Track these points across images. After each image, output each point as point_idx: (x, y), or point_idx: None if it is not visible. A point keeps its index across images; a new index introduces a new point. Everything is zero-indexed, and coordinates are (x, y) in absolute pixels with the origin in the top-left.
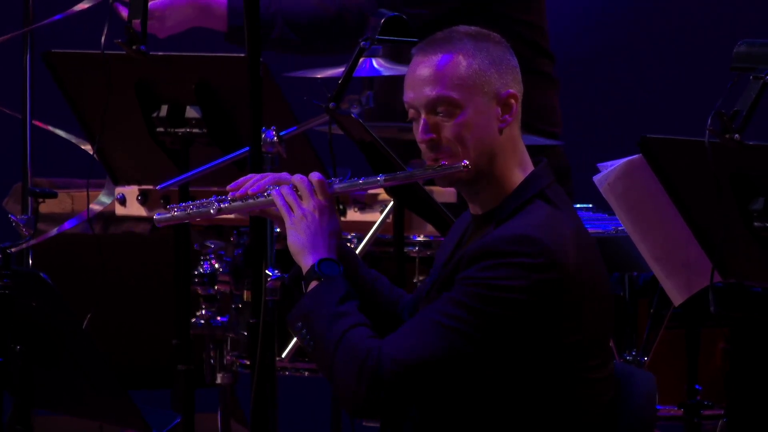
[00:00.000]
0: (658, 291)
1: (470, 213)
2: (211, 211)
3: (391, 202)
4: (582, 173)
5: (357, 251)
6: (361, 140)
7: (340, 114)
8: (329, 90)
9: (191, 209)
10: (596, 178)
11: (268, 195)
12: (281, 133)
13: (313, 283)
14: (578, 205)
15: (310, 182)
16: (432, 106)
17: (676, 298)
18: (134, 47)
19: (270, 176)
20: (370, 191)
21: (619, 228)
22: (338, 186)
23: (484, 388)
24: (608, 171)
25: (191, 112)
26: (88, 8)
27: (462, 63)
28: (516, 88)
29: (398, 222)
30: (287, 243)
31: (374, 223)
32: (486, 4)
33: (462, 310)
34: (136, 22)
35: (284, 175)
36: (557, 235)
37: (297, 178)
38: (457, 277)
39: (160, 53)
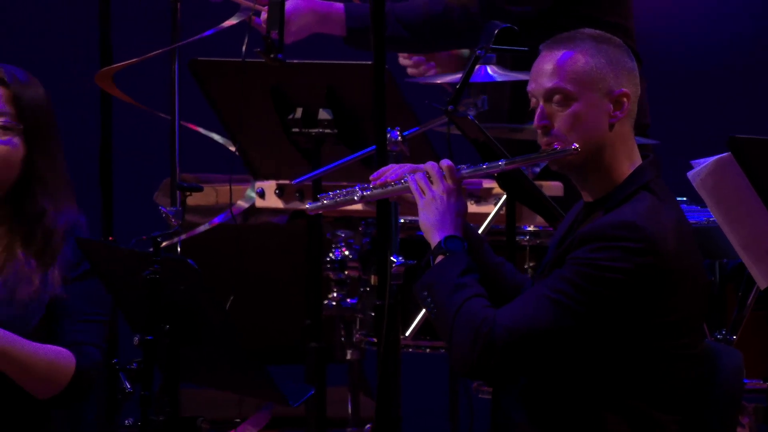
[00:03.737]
0: (745, 276)
1: (583, 201)
2: (355, 198)
3: (504, 196)
4: (677, 170)
5: None
6: (476, 140)
7: (458, 116)
8: (447, 94)
9: (338, 198)
10: (690, 174)
11: (404, 182)
12: (404, 133)
13: (439, 257)
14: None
15: (440, 168)
16: (549, 96)
17: (762, 282)
18: (272, 56)
19: (407, 166)
20: (485, 185)
21: (711, 219)
22: (466, 171)
23: (585, 360)
24: (700, 168)
25: (323, 114)
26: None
27: (581, 60)
28: (630, 88)
29: (510, 213)
30: (419, 222)
31: (489, 214)
32: (575, 5)
33: (569, 287)
34: (274, 32)
35: (420, 165)
36: (658, 224)
37: (429, 165)
38: (567, 257)
39: (295, 61)
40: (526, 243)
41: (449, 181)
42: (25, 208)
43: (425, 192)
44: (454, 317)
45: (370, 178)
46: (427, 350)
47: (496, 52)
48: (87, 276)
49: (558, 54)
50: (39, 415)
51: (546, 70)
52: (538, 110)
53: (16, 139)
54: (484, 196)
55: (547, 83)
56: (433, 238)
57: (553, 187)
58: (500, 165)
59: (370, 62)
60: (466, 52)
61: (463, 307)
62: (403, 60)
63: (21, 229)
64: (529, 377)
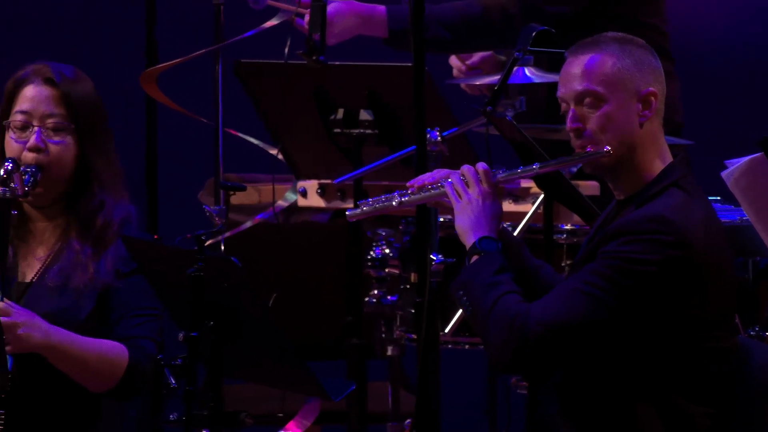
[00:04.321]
0: None
1: (615, 199)
2: (394, 203)
3: (542, 195)
4: (711, 169)
5: None
6: (514, 140)
7: (496, 116)
8: (486, 95)
9: (377, 204)
10: (723, 174)
11: (441, 186)
12: (444, 134)
13: (474, 257)
14: (709, 198)
15: (476, 172)
16: (579, 99)
17: None
18: (313, 57)
19: (444, 171)
20: (523, 185)
21: (744, 218)
22: (501, 175)
23: (617, 352)
24: (734, 167)
25: (364, 115)
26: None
27: (607, 62)
28: (657, 87)
29: (548, 212)
30: (455, 225)
31: (527, 213)
32: (610, 6)
33: (601, 280)
34: (316, 35)
35: (456, 171)
36: (688, 218)
37: (465, 168)
38: (599, 251)
39: (336, 63)
40: (564, 241)
41: (485, 185)
42: (83, 203)
43: (461, 196)
44: (489, 314)
45: (407, 184)
46: (466, 346)
47: (533, 54)
48: (140, 271)
49: (585, 58)
50: (91, 409)
51: (575, 74)
52: (570, 114)
53: (69, 138)
54: (522, 195)
55: (577, 86)
56: (468, 240)
57: (589, 187)
58: (534, 169)
59: (410, 64)
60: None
61: (497, 304)
62: (455, 62)
63: (77, 220)
64: (563, 371)
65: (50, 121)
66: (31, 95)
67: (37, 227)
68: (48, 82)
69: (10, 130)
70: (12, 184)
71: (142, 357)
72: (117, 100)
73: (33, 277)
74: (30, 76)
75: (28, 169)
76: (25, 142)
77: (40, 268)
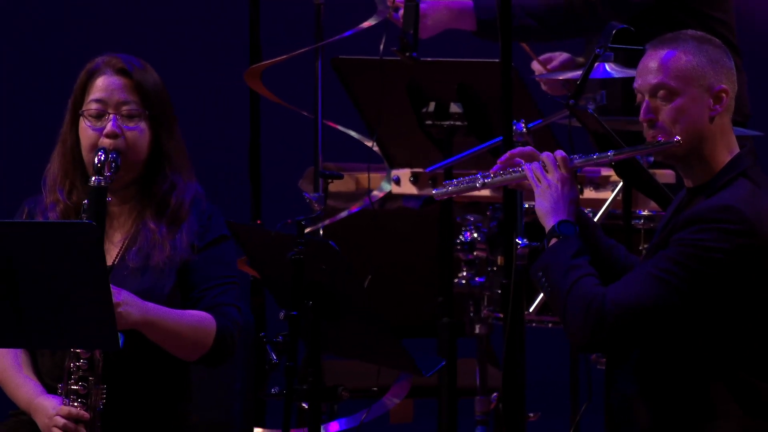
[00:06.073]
0: None
1: (686, 187)
2: (477, 185)
3: (621, 183)
4: None
5: None
6: (595, 131)
7: (579, 109)
8: (569, 89)
9: (462, 184)
10: None
11: (522, 170)
12: (529, 125)
13: (553, 241)
14: None
15: (554, 158)
16: (653, 92)
17: None
18: (407, 54)
19: (528, 148)
20: (603, 173)
21: None
22: (578, 161)
23: (691, 333)
24: None
25: (454, 108)
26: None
27: (683, 58)
28: (729, 85)
29: (626, 199)
30: (535, 209)
31: (606, 200)
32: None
33: (674, 266)
34: (409, 32)
35: (535, 152)
36: (755, 208)
37: (544, 155)
38: (671, 239)
39: (428, 59)
40: (641, 226)
41: (563, 170)
42: (157, 185)
43: (541, 180)
44: (567, 295)
45: (490, 172)
46: (549, 325)
47: (613, 51)
48: (214, 243)
49: (662, 53)
50: (182, 380)
51: (651, 67)
52: (644, 105)
53: (143, 125)
54: (602, 183)
55: (652, 80)
56: (548, 223)
57: (665, 175)
58: (609, 156)
59: (497, 60)
60: (581, 59)
61: (575, 286)
62: (537, 67)
63: (151, 202)
64: (638, 351)
65: (125, 109)
66: (104, 85)
67: (112, 212)
68: (120, 72)
69: (85, 118)
70: (105, 173)
71: (228, 323)
72: (223, 96)
73: (114, 261)
74: (102, 66)
75: (110, 156)
76: (101, 130)
77: (119, 251)
